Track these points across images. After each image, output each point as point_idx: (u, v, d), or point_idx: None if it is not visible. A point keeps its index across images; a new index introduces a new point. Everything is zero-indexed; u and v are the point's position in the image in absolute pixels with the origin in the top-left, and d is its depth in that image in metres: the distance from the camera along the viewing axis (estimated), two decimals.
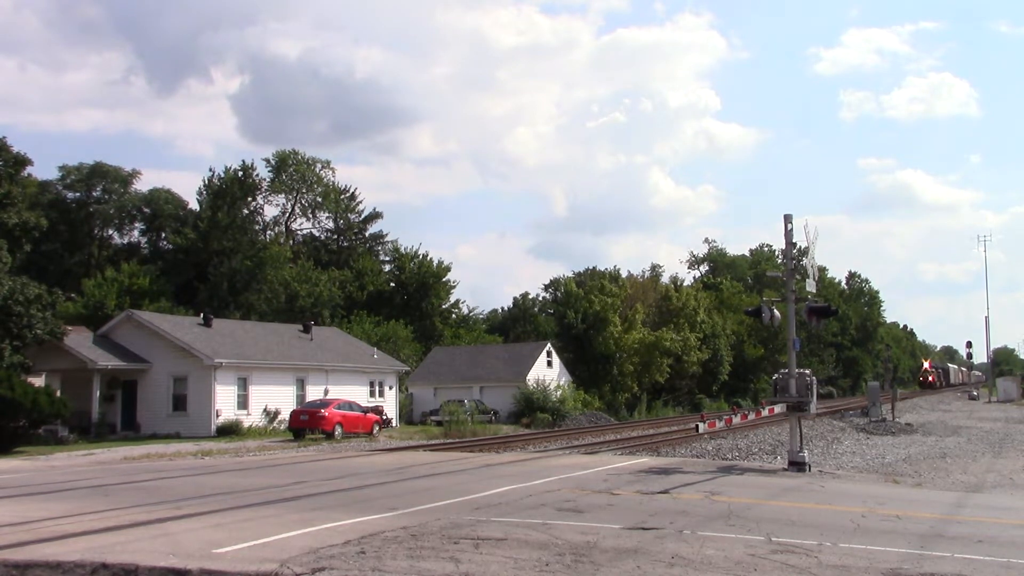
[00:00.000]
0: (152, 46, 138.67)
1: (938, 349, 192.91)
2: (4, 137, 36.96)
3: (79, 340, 38.20)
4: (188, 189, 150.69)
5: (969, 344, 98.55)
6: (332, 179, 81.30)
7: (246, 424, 38.00)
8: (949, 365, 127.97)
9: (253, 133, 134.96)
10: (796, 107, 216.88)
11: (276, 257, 65.56)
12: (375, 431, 38.18)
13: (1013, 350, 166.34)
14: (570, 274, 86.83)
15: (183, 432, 36.74)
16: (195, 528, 11.28)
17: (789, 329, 20.83)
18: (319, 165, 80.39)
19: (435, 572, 8.45)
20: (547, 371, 56.36)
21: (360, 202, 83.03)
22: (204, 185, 69.22)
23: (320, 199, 79.91)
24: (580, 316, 63.46)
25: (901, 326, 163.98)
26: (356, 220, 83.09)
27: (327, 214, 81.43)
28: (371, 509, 12.73)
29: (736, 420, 22.56)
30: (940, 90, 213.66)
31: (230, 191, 67.53)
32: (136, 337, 39.77)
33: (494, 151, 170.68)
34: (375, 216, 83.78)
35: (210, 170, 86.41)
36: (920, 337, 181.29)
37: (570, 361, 61.99)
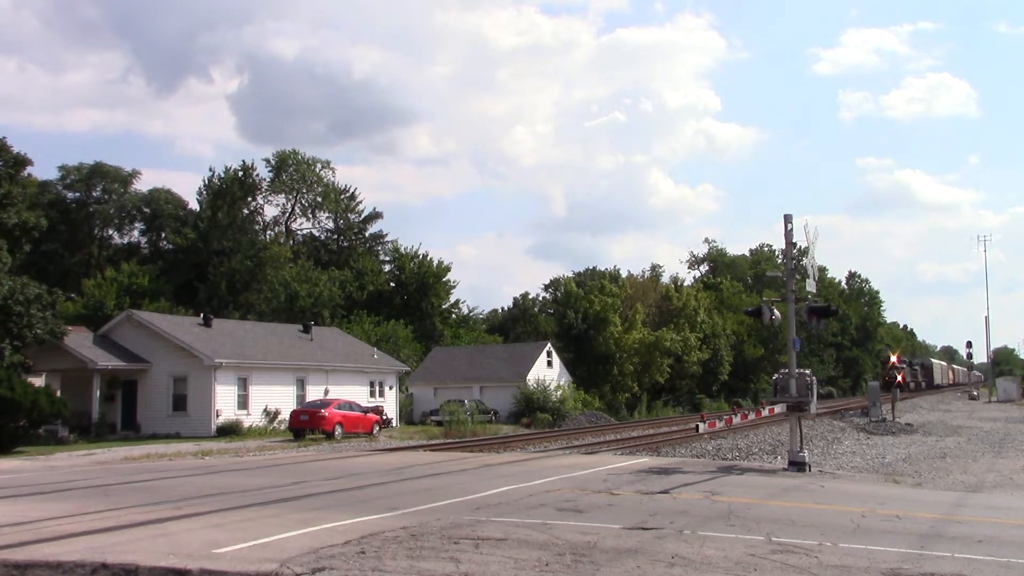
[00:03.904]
0: (150, 46, 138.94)
1: (938, 349, 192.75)
2: (4, 137, 37.00)
3: (79, 340, 38.20)
4: (188, 189, 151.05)
5: (969, 344, 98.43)
6: (332, 179, 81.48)
7: (246, 424, 38.00)
8: (933, 361, 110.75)
9: (252, 133, 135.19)
10: (795, 107, 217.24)
11: (276, 257, 65.59)
12: (375, 431, 38.19)
13: (1013, 350, 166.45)
14: (570, 274, 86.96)
15: (183, 432, 36.74)
16: (195, 528, 11.28)
17: (789, 329, 20.83)
18: (319, 165, 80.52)
19: (435, 572, 8.45)
20: (547, 371, 56.36)
21: (360, 202, 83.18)
22: (204, 185, 69.44)
23: (320, 199, 79.92)
24: (580, 316, 63.46)
25: (901, 326, 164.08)
26: (356, 220, 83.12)
27: (327, 214, 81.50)
28: (371, 509, 12.73)
29: (736, 420, 22.56)
30: (939, 90, 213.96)
31: (230, 191, 67.60)
32: (136, 337, 39.77)
33: (493, 151, 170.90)
34: (375, 216, 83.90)
35: (210, 170, 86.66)
36: (920, 337, 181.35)
37: (570, 361, 61.99)
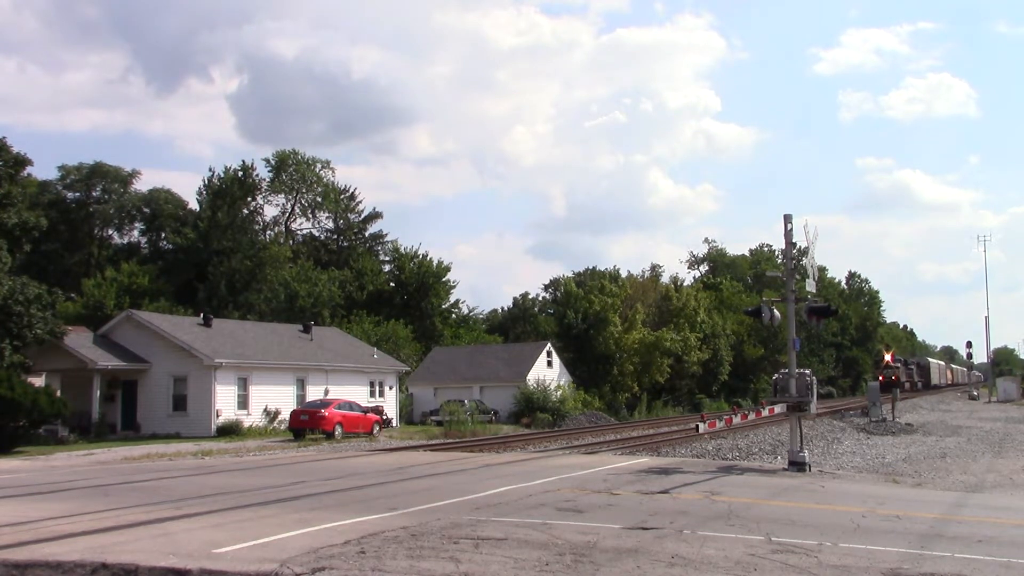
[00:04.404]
0: (150, 46, 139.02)
1: (938, 349, 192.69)
2: (4, 137, 36.95)
3: (79, 340, 38.21)
4: (188, 189, 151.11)
5: (969, 344, 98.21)
6: (332, 179, 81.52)
7: (246, 424, 38.01)
8: (930, 361, 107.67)
9: (252, 133, 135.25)
10: (795, 107, 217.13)
11: (276, 257, 65.57)
12: (375, 431, 38.19)
13: (1013, 350, 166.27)
14: (570, 274, 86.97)
15: (183, 432, 36.74)
16: (195, 528, 11.28)
17: (789, 329, 20.83)
18: (319, 165, 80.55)
19: (435, 572, 8.45)
20: (547, 371, 56.36)
21: (360, 202, 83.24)
22: (204, 185, 69.38)
23: (320, 199, 79.96)
24: (580, 316, 63.47)
25: (901, 326, 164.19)
26: (356, 220, 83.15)
27: (327, 214, 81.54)
28: (371, 509, 12.73)
29: (736, 420, 22.57)
30: (939, 90, 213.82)
31: (230, 191, 67.56)
32: (136, 337, 39.77)
33: (493, 151, 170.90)
34: (375, 216, 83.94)
35: (210, 170, 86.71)
36: (920, 337, 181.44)
37: (570, 361, 61.99)
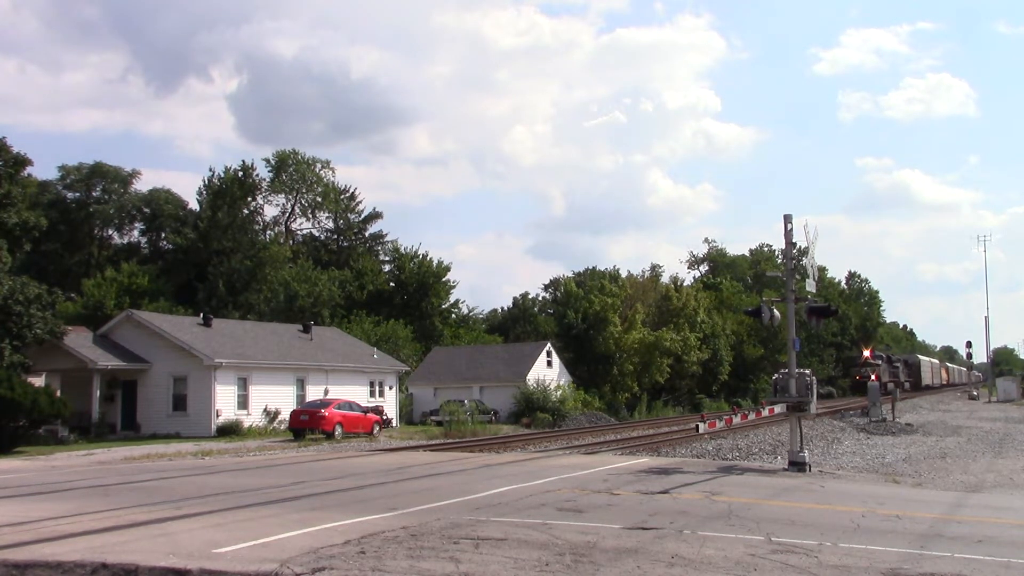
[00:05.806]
0: (149, 46, 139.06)
1: (938, 349, 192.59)
2: (4, 137, 37.03)
3: (79, 340, 38.20)
4: (188, 189, 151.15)
5: (969, 344, 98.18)
6: (332, 179, 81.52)
7: (246, 424, 38.00)
8: (921, 358, 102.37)
9: (251, 133, 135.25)
10: (795, 107, 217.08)
11: (276, 257, 65.55)
12: (375, 431, 38.18)
13: (1013, 350, 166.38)
14: (569, 274, 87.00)
15: (183, 432, 36.74)
16: (195, 528, 11.28)
17: (789, 329, 20.83)
18: (319, 165, 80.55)
19: (435, 572, 8.45)
20: (547, 371, 56.34)
21: (360, 202, 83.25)
22: (204, 185, 69.31)
23: (320, 199, 79.97)
24: (580, 316, 63.45)
25: (901, 326, 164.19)
26: (356, 220, 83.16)
27: (327, 214, 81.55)
28: (371, 509, 12.73)
29: (736, 420, 22.57)
30: (939, 90, 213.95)
31: (230, 191, 67.53)
32: (136, 337, 39.77)
33: (492, 151, 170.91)
34: (375, 216, 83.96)
35: (210, 170, 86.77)
36: (920, 337, 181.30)
37: (570, 361, 61.97)
